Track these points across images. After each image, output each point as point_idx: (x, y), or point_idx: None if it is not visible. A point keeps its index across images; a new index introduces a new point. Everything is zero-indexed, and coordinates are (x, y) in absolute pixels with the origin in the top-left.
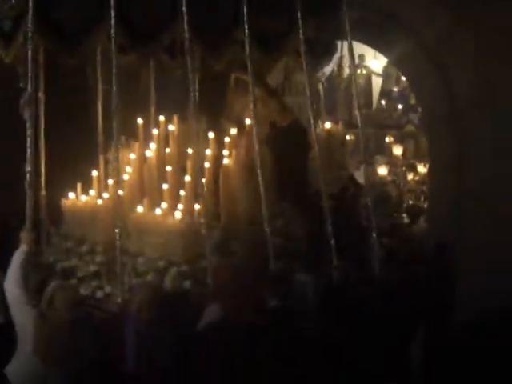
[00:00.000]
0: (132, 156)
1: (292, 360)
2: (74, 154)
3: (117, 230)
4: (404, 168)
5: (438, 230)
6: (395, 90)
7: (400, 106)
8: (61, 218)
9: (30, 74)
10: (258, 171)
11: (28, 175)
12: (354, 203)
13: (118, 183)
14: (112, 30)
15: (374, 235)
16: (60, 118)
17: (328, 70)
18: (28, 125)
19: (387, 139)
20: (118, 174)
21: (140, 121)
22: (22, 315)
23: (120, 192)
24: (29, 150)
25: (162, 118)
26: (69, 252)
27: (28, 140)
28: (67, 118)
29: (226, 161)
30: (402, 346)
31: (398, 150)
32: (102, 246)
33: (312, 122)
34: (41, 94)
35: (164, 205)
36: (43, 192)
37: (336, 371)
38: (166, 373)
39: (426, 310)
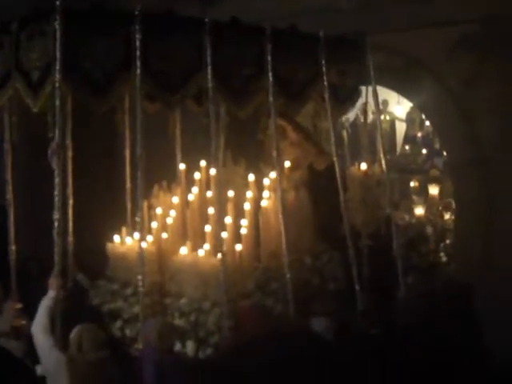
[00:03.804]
0: (175, 200)
1: None
2: (104, 202)
3: (139, 277)
4: (441, 208)
5: (465, 276)
6: (419, 135)
7: (424, 151)
8: (92, 262)
9: (57, 123)
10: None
11: (56, 222)
12: (389, 243)
13: (143, 235)
14: (137, 79)
15: (401, 278)
16: (88, 165)
17: (352, 116)
18: (56, 173)
19: (412, 184)
20: (142, 225)
21: (182, 166)
22: (51, 360)
23: (148, 240)
24: (56, 198)
25: (203, 162)
26: (114, 294)
27: (56, 188)
28: (95, 165)
29: (265, 203)
30: None
31: (434, 190)
32: (146, 288)
33: (337, 168)
34: (68, 142)
35: (207, 246)
36: (71, 238)
37: None
38: None
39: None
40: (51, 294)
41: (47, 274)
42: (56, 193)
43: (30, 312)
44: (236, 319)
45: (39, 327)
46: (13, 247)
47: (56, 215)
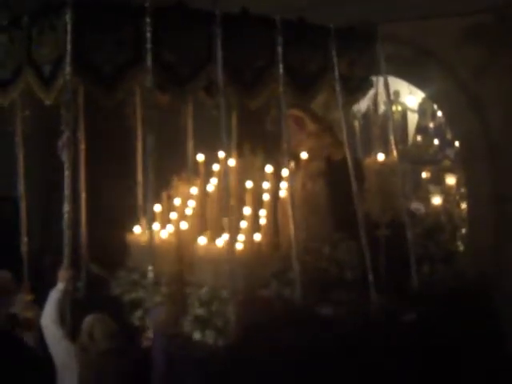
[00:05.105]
0: (193, 191)
1: None
2: (120, 194)
3: (150, 268)
4: (457, 197)
5: (477, 267)
6: (431, 125)
7: (436, 142)
8: (107, 254)
9: (69, 117)
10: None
11: (66, 215)
12: (406, 233)
13: (151, 225)
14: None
15: (414, 268)
16: (100, 159)
17: (363, 106)
18: (66, 166)
19: (424, 174)
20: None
21: (201, 157)
22: (62, 351)
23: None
24: (66, 191)
25: (221, 154)
26: (135, 284)
27: (66, 181)
28: (108, 158)
29: (283, 193)
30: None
31: (451, 180)
32: (166, 278)
33: (349, 158)
34: (80, 134)
35: (226, 236)
36: (83, 230)
37: None
38: None
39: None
40: (60, 286)
41: (60, 266)
42: (66, 186)
43: (42, 304)
44: (242, 309)
45: (48, 319)
46: (25, 239)
47: (66, 208)
